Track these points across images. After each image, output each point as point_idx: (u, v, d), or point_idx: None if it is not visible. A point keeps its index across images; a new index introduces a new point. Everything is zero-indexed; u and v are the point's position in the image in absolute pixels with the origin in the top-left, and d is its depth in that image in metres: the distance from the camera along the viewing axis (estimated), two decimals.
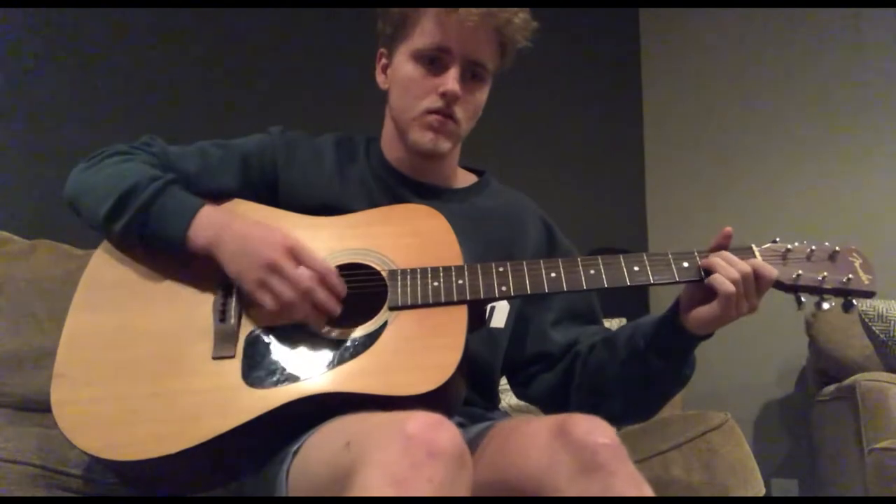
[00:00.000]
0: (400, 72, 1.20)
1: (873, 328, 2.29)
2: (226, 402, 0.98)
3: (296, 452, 0.93)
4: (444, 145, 1.19)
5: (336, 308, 1.02)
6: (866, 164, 2.84)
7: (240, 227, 1.06)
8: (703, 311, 1.04)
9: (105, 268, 1.11)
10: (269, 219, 1.16)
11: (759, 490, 1.41)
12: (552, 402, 1.24)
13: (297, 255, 1.03)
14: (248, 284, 1.03)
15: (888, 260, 2.64)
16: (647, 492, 0.82)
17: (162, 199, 1.07)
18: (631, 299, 2.76)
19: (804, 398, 2.75)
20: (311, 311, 1.02)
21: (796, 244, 1.10)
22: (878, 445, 1.99)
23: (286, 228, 1.08)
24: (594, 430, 0.83)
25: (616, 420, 1.19)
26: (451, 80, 1.15)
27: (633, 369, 1.12)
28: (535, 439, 0.87)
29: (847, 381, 2.25)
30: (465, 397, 1.11)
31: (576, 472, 0.81)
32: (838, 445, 2.32)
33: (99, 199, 1.10)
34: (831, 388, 2.40)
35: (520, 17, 1.18)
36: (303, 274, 1.01)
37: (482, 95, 1.22)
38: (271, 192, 1.21)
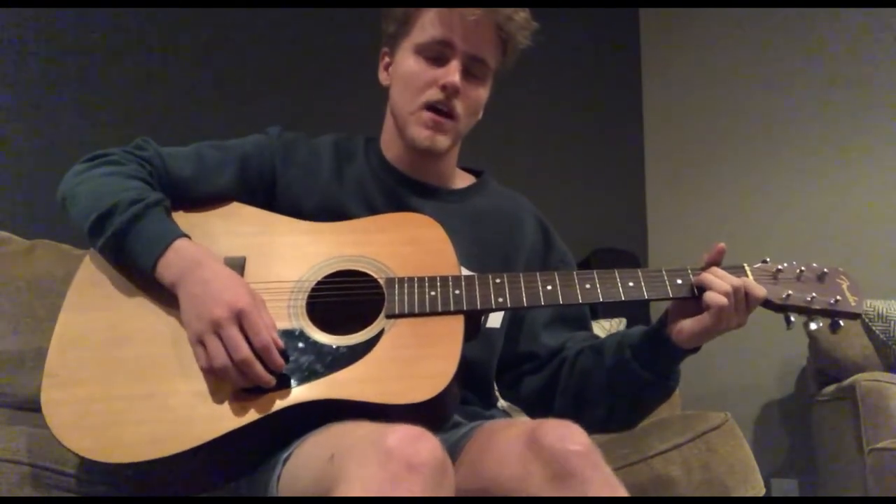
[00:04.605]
0: (402, 66, 1.20)
1: (873, 328, 2.29)
2: (220, 406, 0.97)
3: (286, 460, 0.93)
4: (443, 142, 1.19)
5: (270, 383, 0.97)
6: (869, 163, 2.84)
7: (205, 273, 1.01)
8: (692, 324, 1.05)
9: (98, 268, 1.10)
10: (266, 223, 1.16)
11: (759, 490, 1.41)
12: (537, 404, 1.24)
13: (243, 321, 0.97)
14: (189, 335, 1.00)
15: (888, 260, 2.65)
16: (623, 495, 0.81)
17: (138, 227, 1.04)
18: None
19: (804, 398, 2.75)
20: (242, 381, 0.97)
21: (786, 265, 1.11)
22: (878, 445, 1.99)
23: (251, 286, 1.03)
24: (566, 437, 0.83)
25: (598, 427, 1.19)
26: (451, 73, 1.15)
27: (619, 378, 1.13)
28: (508, 447, 0.87)
29: (847, 381, 2.25)
30: (463, 397, 1.11)
31: (548, 481, 0.81)
32: (838, 445, 2.32)
33: (80, 215, 1.08)
34: (831, 388, 2.40)
35: (520, 14, 1.18)
36: (240, 344, 0.96)
37: (483, 92, 1.22)
38: (269, 194, 1.21)
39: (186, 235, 1.07)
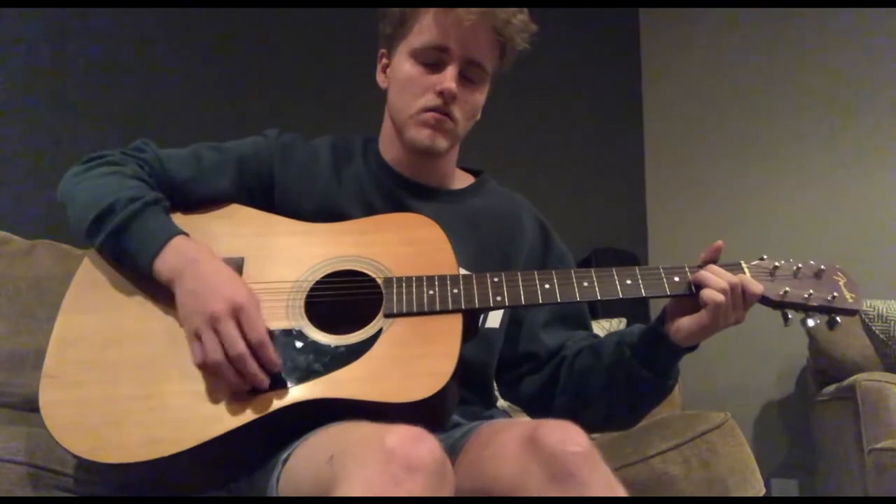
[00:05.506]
0: (399, 70, 1.19)
1: (873, 328, 2.29)
2: (218, 406, 0.97)
3: (285, 461, 0.93)
4: (442, 143, 1.18)
5: (265, 382, 0.96)
6: (869, 163, 2.84)
7: (203, 269, 1.01)
8: (690, 322, 1.06)
9: (97, 269, 1.10)
10: (264, 224, 1.16)
11: (759, 490, 1.41)
12: (537, 404, 1.24)
13: (239, 316, 0.97)
14: (186, 331, 1.00)
15: (888, 260, 2.65)
16: (622, 496, 0.82)
17: (135, 224, 1.05)
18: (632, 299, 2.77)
19: (804, 398, 2.76)
20: (237, 379, 0.96)
21: (783, 262, 1.11)
22: (878, 445, 1.99)
23: (249, 284, 1.03)
24: (565, 438, 0.83)
25: (598, 427, 1.19)
26: (448, 79, 1.14)
27: (618, 377, 1.13)
28: (507, 447, 0.87)
29: (847, 381, 2.25)
30: (463, 397, 1.11)
31: (547, 481, 0.81)
32: (838, 445, 2.32)
33: (79, 214, 1.08)
34: (831, 388, 2.40)
35: (518, 17, 1.17)
36: (236, 339, 0.95)
37: (480, 96, 1.21)
38: (267, 196, 1.20)
39: (184, 233, 1.07)
